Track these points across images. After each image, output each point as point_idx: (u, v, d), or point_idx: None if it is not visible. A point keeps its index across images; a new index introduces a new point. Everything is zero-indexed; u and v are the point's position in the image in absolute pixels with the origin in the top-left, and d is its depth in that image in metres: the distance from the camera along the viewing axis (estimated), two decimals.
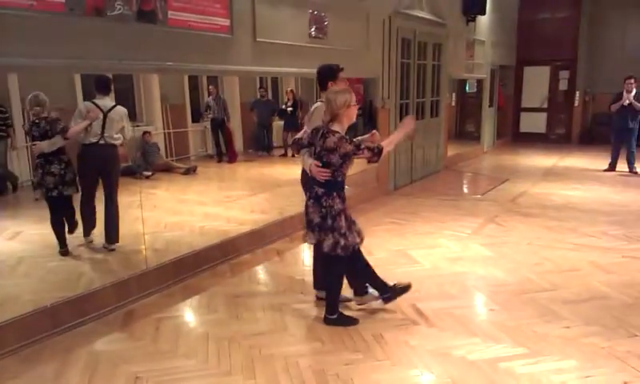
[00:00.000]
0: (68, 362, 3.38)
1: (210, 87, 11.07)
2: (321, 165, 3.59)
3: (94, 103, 4.91)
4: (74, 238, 5.18)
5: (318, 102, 4.03)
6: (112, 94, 5.23)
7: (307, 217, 3.70)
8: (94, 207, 5.20)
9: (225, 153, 10.86)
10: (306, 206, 3.70)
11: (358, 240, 3.74)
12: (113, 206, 5.13)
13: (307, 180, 3.81)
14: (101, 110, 4.89)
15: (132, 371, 3.23)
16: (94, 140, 4.91)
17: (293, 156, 7.98)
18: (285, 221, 6.06)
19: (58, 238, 4.95)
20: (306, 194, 3.80)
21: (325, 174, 3.59)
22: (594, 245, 5.52)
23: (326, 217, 3.59)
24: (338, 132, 3.57)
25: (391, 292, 3.95)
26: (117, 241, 5.16)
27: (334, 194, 3.60)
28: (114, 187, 5.14)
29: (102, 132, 4.92)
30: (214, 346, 3.53)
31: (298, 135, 3.96)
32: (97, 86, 5.01)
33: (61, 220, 4.97)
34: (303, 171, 3.93)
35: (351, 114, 3.66)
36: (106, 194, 5.09)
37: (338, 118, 3.59)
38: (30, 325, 3.59)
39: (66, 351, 3.50)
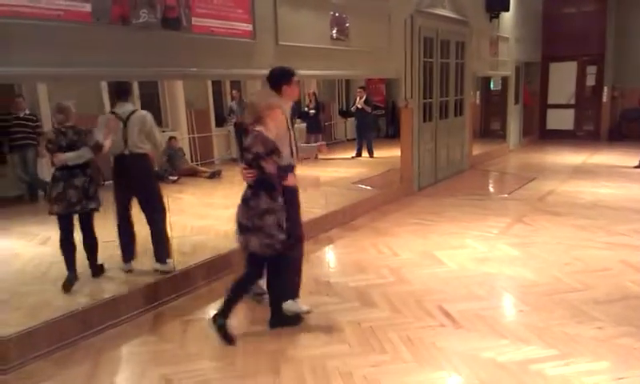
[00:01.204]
0: (99, 364, 3.45)
1: (234, 92, 11.19)
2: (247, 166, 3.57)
3: (113, 113, 4.57)
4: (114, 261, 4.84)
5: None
6: (135, 99, 5.01)
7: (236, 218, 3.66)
8: (132, 231, 4.76)
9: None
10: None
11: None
12: (156, 222, 4.69)
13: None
14: (119, 117, 4.49)
15: (161, 373, 3.28)
16: (118, 151, 4.53)
17: (315, 157, 7.95)
18: (310, 222, 6.04)
19: (67, 261, 4.42)
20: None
21: (249, 175, 3.57)
22: (625, 243, 5.38)
23: (252, 217, 3.55)
24: (257, 130, 3.55)
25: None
26: (168, 257, 4.71)
27: (261, 192, 3.55)
28: (153, 201, 4.71)
29: (125, 141, 4.50)
30: (241, 348, 3.55)
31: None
32: (116, 92, 4.73)
33: (72, 240, 4.47)
34: None
35: (276, 116, 3.64)
36: (144, 211, 4.68)
37: (262, 119, 3.58)
38: (62, 328, 3.67)
39: (97, 353, 3.57)
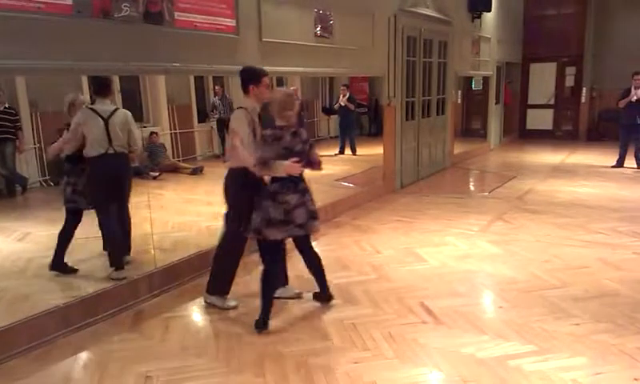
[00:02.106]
0: (79, 362, 3.41)
1: (216, 87, 11.11)
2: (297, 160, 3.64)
3: (92, 109, 4.43)
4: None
5: (238, 110, 3.94)
6: (116, 94, 4.92)
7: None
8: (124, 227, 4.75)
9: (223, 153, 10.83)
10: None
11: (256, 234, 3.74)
12: (123, 219, 4.73)
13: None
14: (100, 116, 4.40)
15: (142, 371, 3.25)
16: (102, 150, 4.41)
17: None
18: None
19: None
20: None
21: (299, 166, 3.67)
22: (603, 242, 5.49)
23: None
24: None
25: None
26: (128, 254, 4.79)
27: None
28: (127, 200, 4.75)
29: (109, 140, 4.42)
30: (224, 344, 3.55)
31: (259, 155, 3.66)
32: (96, 87, 4.58)
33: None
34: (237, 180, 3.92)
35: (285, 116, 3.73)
36: (118, 208, 4.67)
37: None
38: (41, 325, 3.62)
39: (76, 351, 3.53)
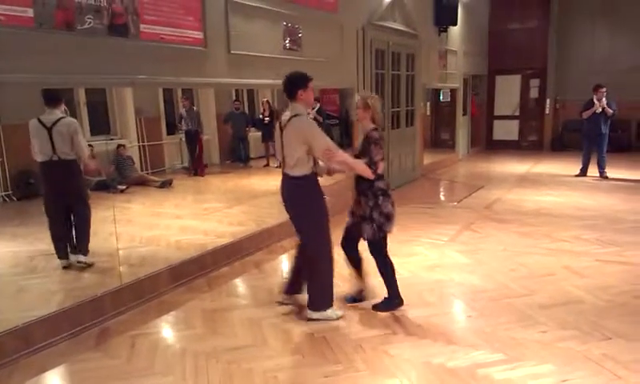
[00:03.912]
0: None
1: (183, 99, 10.98)
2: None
3: (38, 120, 4.65)
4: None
5: (301, 117, 3.83)
6: (81, 106, 5.07)
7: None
8: (69, 227, 4.98)
9: (191, 165, 10.73)
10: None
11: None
12: (81, 215, 4.95)
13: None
14: (43, 125, 4.62)
15: None
16: (46, 158, 4.67)
17: (277, 166, 7.91)
18: (263, 232, 6.03)
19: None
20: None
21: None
22: (567, 249, 5.61)
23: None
24: None
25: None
26: (86, 253, 4.97)
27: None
28: (80, 198, 4.94)
29: (53, 148, 4.65)
30: (192, 362, 3.48)
31: (379, 159, 3.89)
32: (45, 98, 4.69)
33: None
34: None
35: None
36: (72, 207, 4.92)
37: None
38: (1, 345, 3.49)
39: (38, 372, 3.41)
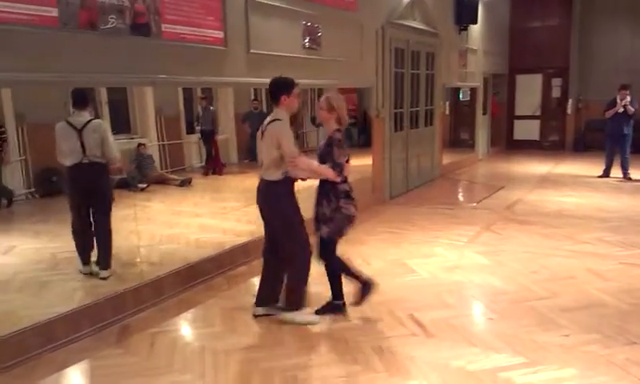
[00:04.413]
0: (62, 379, 3.34)
1: (200, 98, 11.04)
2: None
3: (67, 122, 4.53)
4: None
5: (279, 122, 3.83)
6: (103, 106, 4.97)
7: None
8: (91, 235, 4.80)
9: (207, 164, 10.80)
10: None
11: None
12: (105, 227, 4.75)
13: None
14: (73, 127, 4.49)
15: None
16: (75, 160, 4.52)
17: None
18: None
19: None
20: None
21: None
22: (590, 252, 5.52)
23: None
24: None
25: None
26: (109, 266, 4.74)
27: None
28: (105, 208, 4.76)
29: (83, 150, 4.51)
30: (211, 360, 3.49)
31: (340, 162, 3.81)
32: (74, 100, 4.61)
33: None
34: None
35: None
36: (95, 217, 4.74)
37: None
38: (24, 341, 3.54)
39: (60, 368, 3.45)
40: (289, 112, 3.93)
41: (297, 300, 3.98)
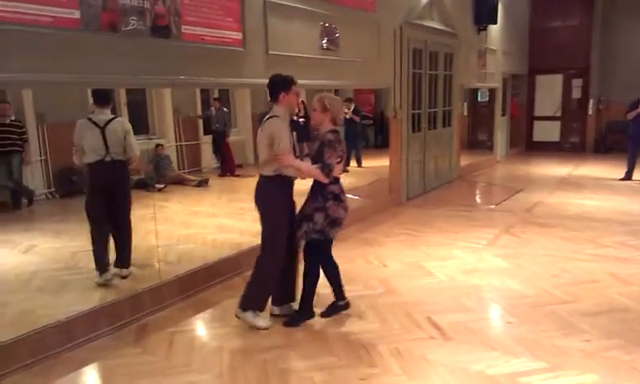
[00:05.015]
0: (81, 378, 3.38)
1: (213, 99, 11.05)
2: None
3: (89, 119, 4.54)
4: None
5: (275, 119, 3.85)
6: (122, 106, 4.96)
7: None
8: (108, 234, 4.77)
9: (222, 166, 10.82)
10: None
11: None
12: (126, 227, 4.78)
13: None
14: (96, 125, 4.50)
15: None
16: (97, 158, 4.51)
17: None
18: None
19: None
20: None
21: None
22: (612, 255, 5.42)
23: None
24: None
25: None
26: (129, 265, 4.81)
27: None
28: (126, 207, 4.78)
29: (106, 148, 4.52)
30: (228, 359, 3.50)
31: (329, 163, 3.78)
32: (95, 98, 4.64)
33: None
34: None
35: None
36: (116, 216, 4.73)
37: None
38: (43, 339, 3.59)
39: (79, 366, 3.49)
40: (288, 109, 3.94)
41: (255, 302, 3.95)
